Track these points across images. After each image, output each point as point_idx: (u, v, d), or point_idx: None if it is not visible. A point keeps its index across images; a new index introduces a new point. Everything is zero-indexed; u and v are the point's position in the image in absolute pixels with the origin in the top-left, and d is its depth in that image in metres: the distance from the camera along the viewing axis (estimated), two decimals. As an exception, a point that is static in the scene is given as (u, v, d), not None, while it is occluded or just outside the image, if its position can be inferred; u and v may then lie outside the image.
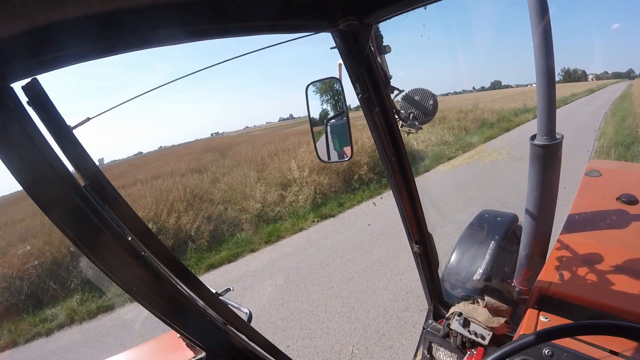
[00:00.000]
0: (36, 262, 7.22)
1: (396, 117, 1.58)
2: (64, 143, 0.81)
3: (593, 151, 10.64)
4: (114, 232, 0.87)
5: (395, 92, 1.54)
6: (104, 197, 0.86)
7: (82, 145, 0.83)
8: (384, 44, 1.41)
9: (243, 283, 6.38)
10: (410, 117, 1.58)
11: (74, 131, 0.84)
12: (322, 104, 1.79)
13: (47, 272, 7.19)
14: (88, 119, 1.03)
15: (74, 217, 0.83)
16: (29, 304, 6.74)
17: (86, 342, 5.65)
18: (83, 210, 0.82)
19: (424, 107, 1.56)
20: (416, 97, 1.57)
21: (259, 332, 1.29)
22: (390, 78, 1.47)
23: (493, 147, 14.15)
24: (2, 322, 6.34)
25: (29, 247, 7.77)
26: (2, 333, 6.15)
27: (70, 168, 0.82)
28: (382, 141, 1.61)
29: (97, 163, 0.87)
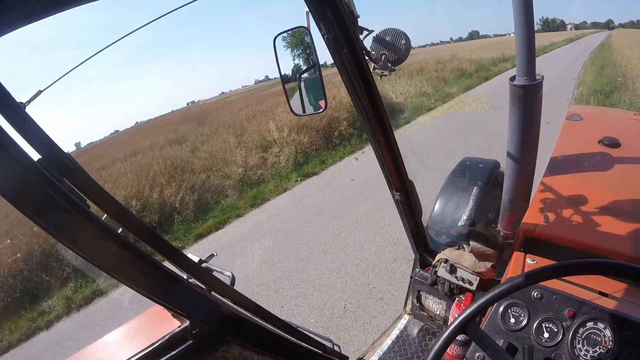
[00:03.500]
0: (23, 256, 7.10)
1: (366, 58, 1.52)
2: (14, 120, 0.77)
3: (572, 99, 10.72)
4: (76, 205, 0.82)
5: (365, 32, 1.47)
6: (61, 170, 0.81)
7: (33, 120, 0.80)
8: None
9: (232, 249, 6.39)
10: (382, 59, 1.51)
11: (28, 107, 0.82)
12: (293, 59, 1.73)
13: (37, 265, 7.05)
14: (40, 92, 0.97)
15: (31, 194, 0.78)
16: (25, 300, 6.62)
17: (86, 328, 5.65)
18: (39, 185, 0.77)
19: (395, 47, 1.50)
20: (387, 38, 1.50)
21: (243, 294, 1.28)
22: (358, 17, 1.40)
23: (472, 97, 14.17)
24: (1, 322, 6.27)
25: (15, 242, 7.62)
26: (3, 334, 6.07)
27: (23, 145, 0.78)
28: (353, 84, 1.57)
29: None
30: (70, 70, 1.02)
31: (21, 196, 0.78)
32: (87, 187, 0.86)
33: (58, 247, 6.98)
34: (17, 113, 0.78)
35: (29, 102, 0.89)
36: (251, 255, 6.02)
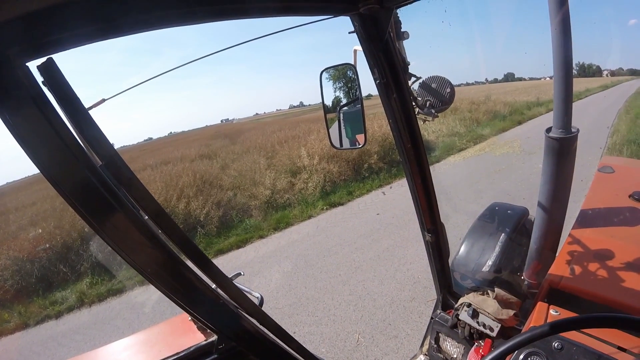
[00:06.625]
0: (47, 246, 7.29)
1: (413, 104, 1.56)
2: (80, 123, 0.80)
3: (606, 148, 10.52)
4: (129, 212, 0.87)
5: (413, 79, 1.52)
6: (119, 178, 0.86)
7: (98, 126, 0.82)
8: (402, 30, 1.39)
9: (251, 269, 6.41)
10: (427, 105, 1.56)
11: (89, 112, 0.83)
12: (335, 91, 1.78)
13: (57, 256, 7.25)
14: (103, 100, 1.03)
15: (90, 196, 0.83)
16: (39, 287, 6.81)
17: (95, 325, 5.72)
18: (98, 190, 0.82)
19: (440, 95, 1.55)
20: (433, 85, 1.56)
21: (270, 316, 1.30)
22: (409, 65, 1.45)
23: (505, 140, 14.02)
24: (12, 304, 6.43)
25: (40, 231, 7.84)
26: (12, 315, 6.22)
27: (86, 149, 0.82)
28: (398, 128, 1.60)
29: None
30: (135, 86, 1.08)
31: (80, 197, 0.83)
32: (141, 197, 0.90)
33: (90, 244, 7.14)
34: (84, 118, 0.81)
35: (91, 107, 0.94)
36: (269, 277, 6.03)
